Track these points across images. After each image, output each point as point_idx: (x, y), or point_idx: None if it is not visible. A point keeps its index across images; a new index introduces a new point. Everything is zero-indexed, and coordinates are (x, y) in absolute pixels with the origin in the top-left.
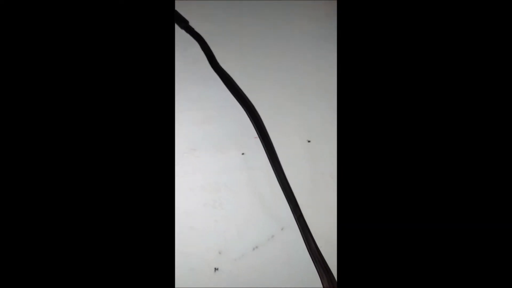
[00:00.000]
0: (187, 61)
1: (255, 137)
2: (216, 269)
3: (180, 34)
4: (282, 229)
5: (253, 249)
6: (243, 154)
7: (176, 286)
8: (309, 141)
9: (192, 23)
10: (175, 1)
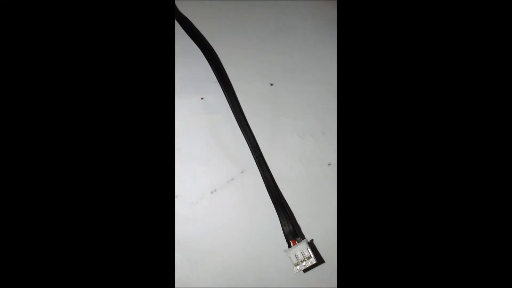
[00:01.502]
0: None
1: (215, 82)
2: None
3: None
4: (242, 172)
5: (211, 192)
6: (202, 99)
7: None
8: (271, 84)
9: None
10: None
